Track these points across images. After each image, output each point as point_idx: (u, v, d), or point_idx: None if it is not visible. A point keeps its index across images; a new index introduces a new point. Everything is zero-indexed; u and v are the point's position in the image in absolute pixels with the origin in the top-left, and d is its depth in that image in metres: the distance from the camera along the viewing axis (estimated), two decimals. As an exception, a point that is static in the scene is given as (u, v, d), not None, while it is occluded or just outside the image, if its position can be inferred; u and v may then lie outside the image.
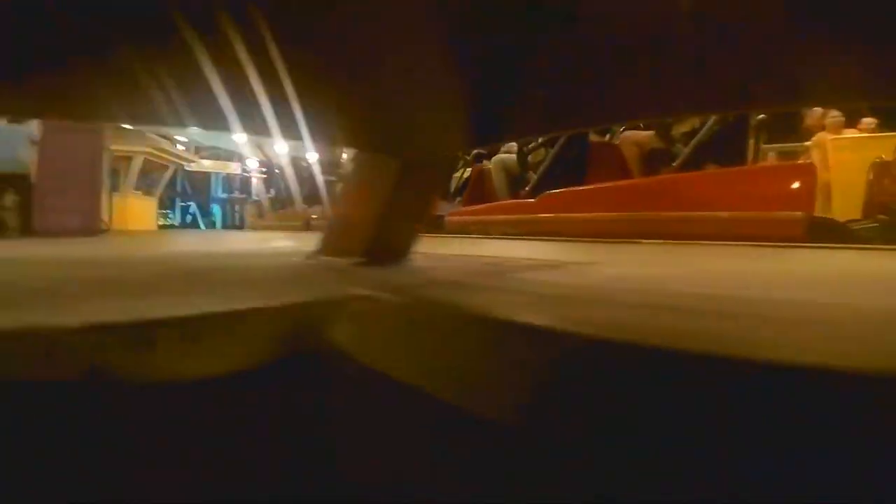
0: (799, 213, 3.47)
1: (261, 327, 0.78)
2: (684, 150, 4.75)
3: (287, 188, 16.79)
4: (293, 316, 0.83)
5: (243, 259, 2.28)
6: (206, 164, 23.91)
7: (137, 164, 14.06)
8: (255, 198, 19.64)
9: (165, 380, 0.69)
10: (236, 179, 25.95)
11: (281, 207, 16.11)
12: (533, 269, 1.63)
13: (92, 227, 7.81)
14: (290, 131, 1.29)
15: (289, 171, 16.94)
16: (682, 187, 4.25)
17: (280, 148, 21.50)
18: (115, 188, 10.65)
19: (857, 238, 3.65)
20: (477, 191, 7.27)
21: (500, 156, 7.36)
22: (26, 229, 7.36)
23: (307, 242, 2.25)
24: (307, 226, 12.28)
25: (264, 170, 20.75)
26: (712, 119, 4.41)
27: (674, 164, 4.79)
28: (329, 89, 1.24)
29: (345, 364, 0.75)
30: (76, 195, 7.70)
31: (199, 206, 25.21)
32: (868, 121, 5.54)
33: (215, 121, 1.12)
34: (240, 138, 24.08)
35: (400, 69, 1.30)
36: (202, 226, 24.86)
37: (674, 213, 4.07)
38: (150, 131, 16.31)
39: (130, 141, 13.59)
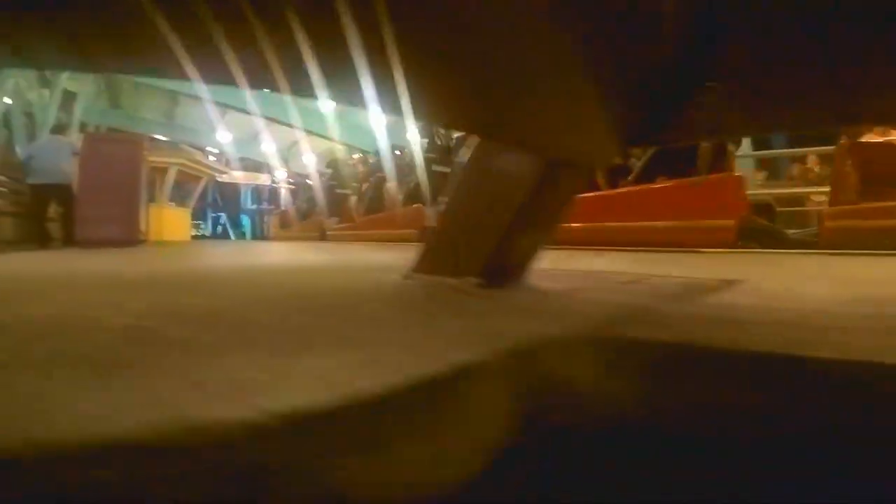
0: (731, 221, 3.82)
1: (500, 391, 0.55)
2: (637, 165, 5.14)
3: (310, 199, 16.85)
4: (533, 369, 0.60)
5: (334, 276, 2.04)
6: (238, 176, 24.14)
7: (172, 175, 14.21)
8: (282, 208, 19.66)
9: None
10: (265, 191, 26.24)
11: (303, 218, 16.07)
12: (700, 290, 1.35)
13: (132, 237, 7.85)
14: (425, 112, 1.06)
15: (315, 183, 16.90)
16: (635, 200, 4.86)
17: (308, 159, 21.71)
18: (151, 199, 10.71)
19: (790, 242, 3.98)
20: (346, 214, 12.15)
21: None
22: (68, 239, 7.45)
23: (360, 254, 2.00)
24: (323, 236, 13.02)
25: (291, 181, 20.83)
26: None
27: (629, 178, 5.19)
28: (469, 70, 0.98)
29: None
30: (116, 206, 7.77)
31: (229, 217, 25.47)
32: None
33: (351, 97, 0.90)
34: (269, 150, 24.47)
35: (556, 52, 1.03)
36: (232, 236, 25.15)
37: (629, 223, 4.69)
38: (185, 143, 16.61)
39: (165, 152, 13.77)
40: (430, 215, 9.67)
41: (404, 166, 11.14)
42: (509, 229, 1.45)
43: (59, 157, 7.11)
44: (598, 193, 5.22)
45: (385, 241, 8.50)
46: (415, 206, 8.81)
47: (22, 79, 12.63)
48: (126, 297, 1.34)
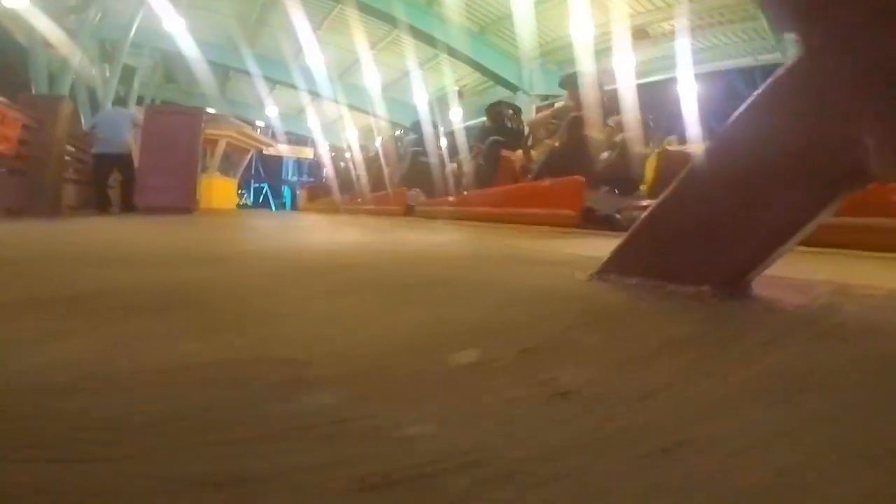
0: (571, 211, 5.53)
1: None
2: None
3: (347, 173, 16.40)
4: None
5: (484, 268, 1.73)
6: (283, 149, 24.27)
7: (222, 146, 14.34)
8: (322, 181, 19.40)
9: None
10: (305, 163, 26.31)
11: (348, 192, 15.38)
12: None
13: (188, 205, 7.89)
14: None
15: (357, 157, 16.49)
16: (522, 193, 6.72)
17: (350, 134, 21.55)
18: (202, 169, 10.75)
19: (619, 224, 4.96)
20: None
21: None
22: (125, 206, 7.56)
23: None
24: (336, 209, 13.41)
25: (333, 154, 20.72)
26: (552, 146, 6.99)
27: (529, 177, 7.21)
28: None
29: None
30: (175, 175, 7.84)
31: (271, 188, 25.74)
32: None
33: None
34: (313, 124, 24.48)
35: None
36: (273, 206, 25.43)
37: (514, 209, 6.33)
38: (234, 116, 16.68)
39: (216, 125, 13.81)
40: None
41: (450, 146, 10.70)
42: (779, 236, 1.10)
43: (120, 128, 7.23)
44: (503, 187, 7.21)
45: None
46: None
47: (85, 54, 12.81)
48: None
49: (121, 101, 15.14)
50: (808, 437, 0.45)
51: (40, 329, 0.76)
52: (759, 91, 1.17)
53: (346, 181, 15.03)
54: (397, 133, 15.02)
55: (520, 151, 8.57)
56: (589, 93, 6.78)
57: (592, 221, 5.32)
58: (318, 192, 19.88)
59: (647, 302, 1.15)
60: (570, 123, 6.64)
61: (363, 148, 15.68)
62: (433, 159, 10.74)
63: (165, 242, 2.55)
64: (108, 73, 14.59)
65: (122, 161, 7.29)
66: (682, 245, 1.29)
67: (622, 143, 6.26)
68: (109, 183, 7.91)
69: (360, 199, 13.19)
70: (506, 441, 0.42)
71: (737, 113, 1.20)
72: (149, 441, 0.40)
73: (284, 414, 0.46)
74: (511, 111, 8.94)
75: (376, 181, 12.75)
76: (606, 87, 7.38)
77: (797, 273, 1.82)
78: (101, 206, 7.16)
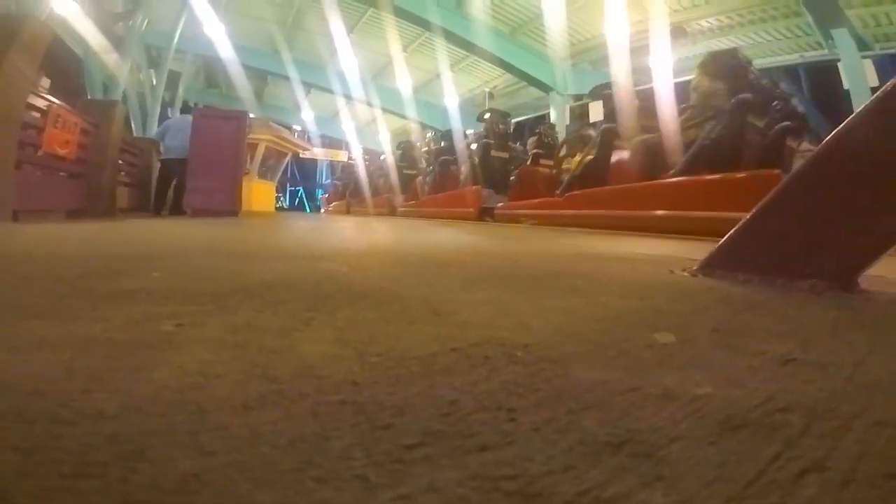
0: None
1: None
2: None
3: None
4: None
5: (601, 264, 1.79)
6: (318, 152, 24.80)
7: (261, 150, 14.68)
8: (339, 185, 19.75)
9: None
10: (338, 167, 26.77)
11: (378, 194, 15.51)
12: None
13: (233, 208, 8.13)
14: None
15: (390, 161, 16.70)
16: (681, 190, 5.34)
17: (384, 138, 21.82)
18: (244, 172, 11.03)
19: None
20: (518, 189, 8.87)
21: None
22: (174, 209, 7.89)
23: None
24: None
25: (367, 157, 21.04)
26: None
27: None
28: None
29: None
30: (222, 178, 8.07)
31: (306, 191, 26.30)
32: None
33: None
34: (347, 127, 24.92)
35: None
36: (308, 209, 25.96)
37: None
38: (272, 120, 17.11)
39: (256, 129, 14.15)
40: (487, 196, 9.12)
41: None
42: (893, 236, 1.13)
43: (186, 134, 7.80)
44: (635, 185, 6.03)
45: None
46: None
47: (134, 61, 13.38)
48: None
49: (167, 106, 15.79)
50: None
51: (283, 317, 0.84)
52: (886, 87, 1.19)
53: (396, 183, 14.76)
54: (432, 133, 14.95)
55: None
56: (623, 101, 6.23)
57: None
58: (336, 195, 20.23)
59: (773, 293, 1.20)
60: (735, 107, 5.53)
61: (410, 145, 15.52)
62: (506, 153, 10.00)
63: (256, 240, 2.70)
64: (154, 79, 15.19)
65: (184, 166, 7.78)
66: (794, 241, 1.33)
67: (775, 136, 5.27)
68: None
69: (414, 202, 12.73)
70: (783, 394, 0.49)
71: (863, 107, 1.23)
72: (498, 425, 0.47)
73: (582, 386, 0.54)
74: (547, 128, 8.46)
75: (436, 180, 11.98)
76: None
77: (879, 272, 1.82)
78: (157, 208, 7.73)
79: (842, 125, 1.28)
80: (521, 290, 1.16)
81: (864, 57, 10.73)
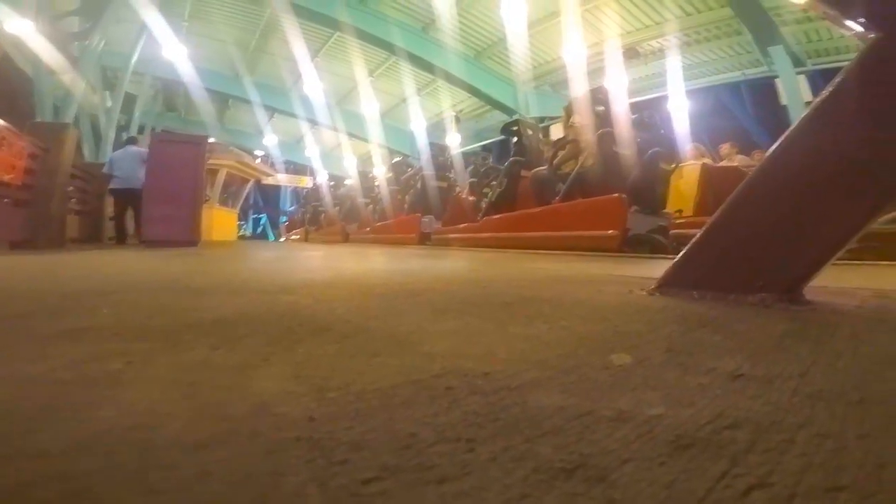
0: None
1: None
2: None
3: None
4: None
5: (562, 287, 1.82)
6: (282, 178, 24.43)
7: (222, 176, 14.36)
8: (325, 210, 19.75)
9: None
10: (303, 193, 26.50)
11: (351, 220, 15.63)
12: None
13: (193, 237, 7.89)
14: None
15: (343, 190, 16.86)
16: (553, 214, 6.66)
17: (349, 162, 21.78)
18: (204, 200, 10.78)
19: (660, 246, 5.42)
20: (450, 215, 9.74)
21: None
22: (120, 238, 7.67)
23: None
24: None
25: (332, 183, 20.96)
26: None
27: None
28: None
29: None
30: (180, 206, 7.81)
31: (270, 218, 25.73)
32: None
33: None
34: (312, 152, 24.73)
35: None
36: (271, 236, 25.40)
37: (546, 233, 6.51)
38: (233, 145, 16.85)
39: (217, 154, 13.87)
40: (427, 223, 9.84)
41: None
42: (835, 244, 1.22)
43: (131, 164, 7.72)
44: (531, 210, 7.14)
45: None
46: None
47: (88, 82, 12.98)
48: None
49: (122, 129, 15.32)
50: None
51: (240, 353, 0.82)
52: (816, 102, 1.29)
53: (351, 209, 15.17)
54: (397, 160, 15.18)
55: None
56: (613, 109, 6.68)
57: (632, 243, 5.15)
58: (295, 223, 20.53)
59: (725, 310, 1.25)
60: (600, 139, 6.37)
61: (364, 175, 15.82)
62: (445, 183, 10.80)
63: (215, 272, 2.63)
64: (109, 102, 14.75)
65: (134, 196, 7.61)
66: (743, 257, 1.40)
67: (647, 161, 6.05)
68: (110, 215, 8.09)
69: (368, 228, 13.24)
70: (732, 410, 0.51)
71: (795, 124, 1.32)
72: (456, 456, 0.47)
73: (540, 412, 0.55)
74: (529, 129, 8.84)
75: (383, 209, 12.90)
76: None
77: (826, 282, 1.94)
78: (119, 239, 7.67)
79: (778, 142, 1.37)
80: (489, 318, 1.17)
81: (798, 73, 11.48)
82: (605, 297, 1.52)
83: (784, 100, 11.44)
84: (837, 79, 1.26)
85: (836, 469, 0.38)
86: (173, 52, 14.90)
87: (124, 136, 15.18)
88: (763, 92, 13.76)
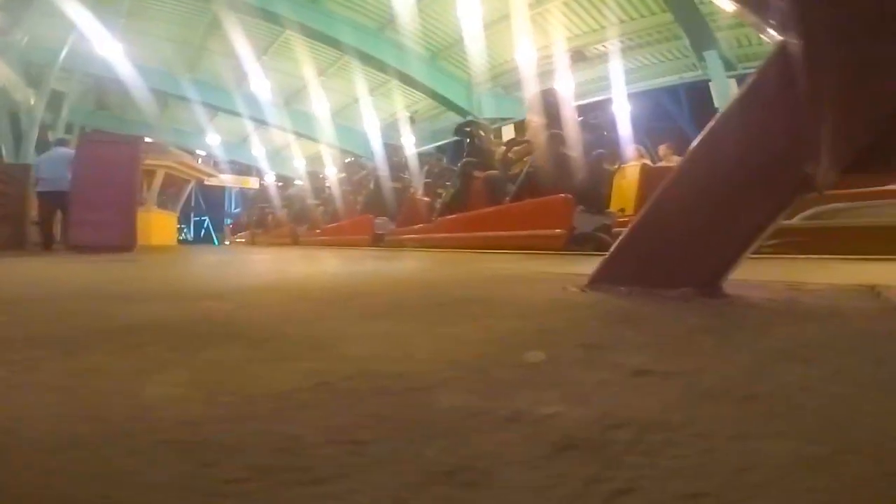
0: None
1: None
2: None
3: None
4: None
5: (500, 286, 1.82)
6: (226, 179, 23.41)
7: (160, 178, 13.63)
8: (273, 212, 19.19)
9: None
10: (249, 194, 25.58)
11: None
12: None
13: (128, 243, 7.47)
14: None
15: (293, 191, 16.45)
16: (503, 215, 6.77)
17: (299, 162, 21.25)
18: (140, 203, 10.20)
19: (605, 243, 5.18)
20: (404, 216, 9.51)
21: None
22: (47, 243, 7.16)
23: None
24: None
25: (281, 184, 20.40)
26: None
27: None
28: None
29: None
30: (113, 210, 7.39)
31: (213, 221, 24.64)
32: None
33: None
34: (258, 152, 23.87)
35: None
36: (216, 241, 24.34)
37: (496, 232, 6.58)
38: (173, 145, 16.02)
39: (154, 154, 13.15)
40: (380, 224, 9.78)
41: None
42: (747, 240, 1.28)
43: (63, 166, 7.30)
44: (482, 210, 7.13)
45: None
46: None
47: (8, 78, 11.99)
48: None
49: (48, 129, 14.23)
50: (844, 380, 0.59)
51: (138, 360, 0.78)
52: (720, 113, 1.36)
53: (301, 211, 14.74)
54: (349, 160, 14.94)
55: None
56: (562, 111, 6.83)
57: (578, 242, 5.29)
58: (241, 225, 19.97)
59: (647, 305, 1.29)
60: (549, 140, 6.50)
61: (315, 175, 15.45)
62: (398, 184, 10.63)
63: (142, 278, 2.48)
64: (33, 100, 13.67)
65: (62, 198, 7.14)
66: (665, 253, 1.45)
67: (592, 162, 6.28)
68: (33, 219, 7.53)
69: (318, 230, 12.88)
70: (623, 409, 0.51)
71: (710, 125, 1.39)
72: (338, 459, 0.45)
73: (439, 413, 0.53)
74: (481, 130, 8.89)
75: (335, 210, 12.54)
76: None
77: (749, 276, 2.06)
78: (46, 244, 7.18)
79: (695, 142, 1.44)
80: (420, 319, 1.15)
81: (729, 77, 12.17)
82: (539, 294, 1.54)
83: (717, 103, 12.09)
84: (748, 81, 1.33)
85: (701, 473, 0.38)
86: (107, 48, 13.99)
87: (51, 135, 14.17)
88: (699, 95, 14.50)
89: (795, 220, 4.61)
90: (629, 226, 1.54)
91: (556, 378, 0.64)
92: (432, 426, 0.49)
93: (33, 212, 8.27)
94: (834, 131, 1.04)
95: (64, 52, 13.33)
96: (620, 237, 1.57)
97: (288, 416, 0.53)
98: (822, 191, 1.29)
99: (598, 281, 1.59)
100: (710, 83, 12.36)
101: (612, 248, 1.59)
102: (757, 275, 2.24)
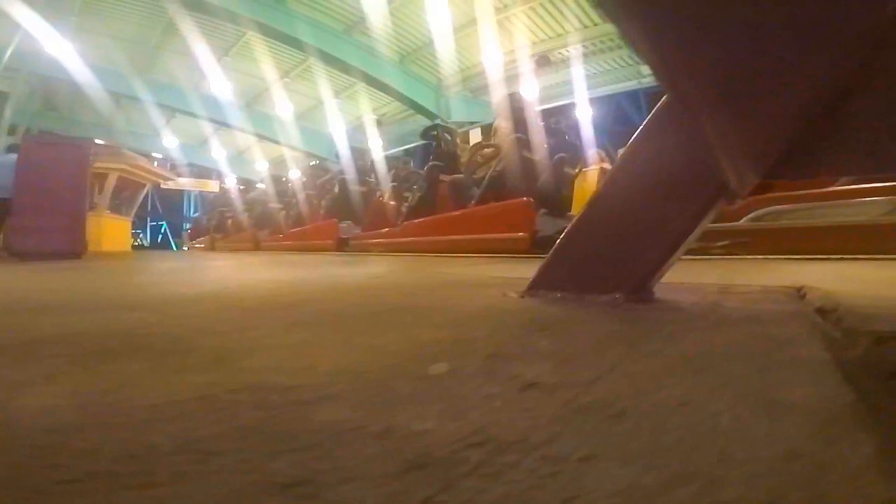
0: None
1: None
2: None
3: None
4: None
5: (443, 293, 1.81)
6: (184, 182, 22.65)
7: (112, 181, 13.07)
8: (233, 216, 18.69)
9: None
10: (210, 198, 24.84)
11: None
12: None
13: (75, 249, 7.16)
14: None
15: (270, 189, 16.03)
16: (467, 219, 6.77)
17: (261, 165, 20.79)
18: (90, 207, 9.76)
19: None
20: (370, 220, 9.48)
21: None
22: (6, 250, 6.77)
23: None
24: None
25: (242, 187, 19.92)
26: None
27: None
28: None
29: None
30: (59, 215, 7.09)
31: (171, 226, 23.73)
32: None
33: None
34: (219, 155, 23.19)
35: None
36: (174, 246, 23.49)
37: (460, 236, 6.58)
38: (126, 147, 15.40)
39: (105, 157, 12.61)
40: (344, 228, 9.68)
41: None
42: (673, 245, 1.32)
43: (9, 171, 7.00)
44: (446, 214, 7.15)
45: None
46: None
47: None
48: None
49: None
50: (727, 392, 0.60)
51: (27, 373, 0.76)
52: (645, 122, 1.41)
53: (263, 215, 14.40)
54: (314, 163, 14.72)
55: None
56: (526, 115, 6.89)
57: (540, 245, 5.33)
58: (200, 230, 19.48)
59: (574, 311, 1.32)
60: (513, 144, 6.59)
61: (278, 179, 15.14)
62: (364, 188, 10.52)
63: (73, 288, 2.36)
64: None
65: (6, 205, 6.85)
66: (596, 260, 1.49)
67: (554, 165, 6.37)
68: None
69: (281, 235, 12.62)
70: (494, 426, 0.51)
71: (632, 140, 1.43)
72: (181, 466, 0.44)
73: (312, 427, 0.52)
74: (448, 134, 8.88)
75: (299, 214, 12.31)
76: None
77: (689, 278, 2.13)
78: None
79: (625, 148, 1.48)
80: (345, 329, 1.14)
81: (686, 81, 12.58)
82: (477, 301, 1.55)
83: (673, 106, 12.46)
84: (657, 107, 1.38)
85: (523, 502, 0.38)
86: (57, 47, 13.34)
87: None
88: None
89: (742, 222, 4.82)
90: (564, 232, 1.57)
91: (447, 392, 0.64)
92: (296, 440, 0.49)
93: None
94: (741, 144, 1.08)
95: (9, 52, 12.65)
96: (557, 242, 1.60)
97: (153, 427, 0.53)
98: (739, 198, 1.35)
99: (535, 287, 1.61)
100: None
101: (548, 254, 1.61)
102: (696, 276, 2.32)
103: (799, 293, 1.60)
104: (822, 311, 1.15)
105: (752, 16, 0.80)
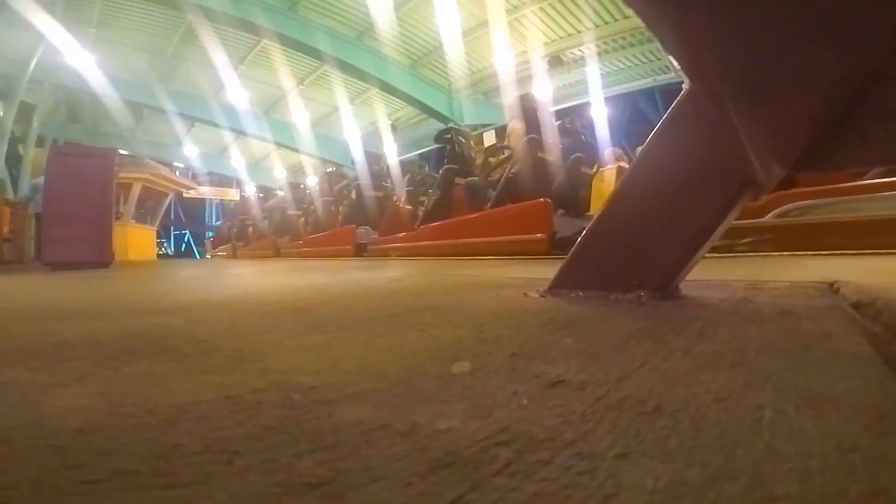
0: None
1: None
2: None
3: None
4: None
5: (464, 293, 1.79)
6: (206, 191, 23.10)
7: (136, 191, 13.40)
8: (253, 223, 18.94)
9: None
10: (230, 206, 25.27)
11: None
12: None
13: (103, 259, 7.31)
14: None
15: (273, 202, 16.25)
16: (484, 221, 6.69)
17: (279, 173, 21.08)
18: (115, 217, 10.00)
19: None
20: (387, 225, 9.47)
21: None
22: (39, 260, 6.99)
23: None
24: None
25: (262, 195, 20.18)
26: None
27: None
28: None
29: None
30: (86, 225, 7.23)
31: (193, 234, 24.20)
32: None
33: None
34: (238, 163, 23.61)
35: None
36: (197, 254, 23.94)
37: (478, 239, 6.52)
38: (149, 157, 15.77)
39: (130, 167, 12.93)
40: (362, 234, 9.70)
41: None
42: (697, 242, 1.29)
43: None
44: (463, 217, 7.11)
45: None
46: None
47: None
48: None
49: (17, 142, 13.89)
50: (767, 387, 0.58)
51: (56, 374, 0.77)
52: (663, 118, 1.37)
53: (282, 222, 14.57)
54: (330, 169, 14.84)
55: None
56: (540, 116, 6.83)
57: (559, 245, 5.28)
58: (222, 238, 19.88)
59: (599, 309, 1.29)
60: (528, 145, 6.51)
61: (296, 186, 15.28)
62: (381, 193, 10.52)
63: (100, 296, 2.41)
64: (1, 112, 13.36)
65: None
66: (618, 258, 1.45)
67: (571, 166, 6.30)
68: (5, 236, 7.35)
69: (300, 241, 12.72)
70: (521, 423, 0.50)
71: (651, 136, 1.40)
72: (207, 466, 0.44)
73: (336, 426, 0.51)
74: (462, 137, 8.87)
75: (317, 220, 12.40)
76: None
77: (715, 275, 2.07)
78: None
79: (645, 143, 1.45)
80: (365, 330, 1.13)
81: (700, 77, 12.38)
82: (497, 301, 1.53)
83: (690, 103, 12.26)
84: (678, 99, 1.35)
85: (559, 500, 0.36)
86: (78, 59, 13.74)
87: (21, 148, 13.83)
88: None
89: (768, 218, 4.70)
90: (586, 230, 1.54)
91: (472, 390, 0.62)
92: (320, 439, 0.48)
93: (4, 227, 8.10)
94: (768, 135, 1.05)
95: (33, 64, 13.06)
96: (577, 242, 1.57)
97: (178, 427, 0.53)
98: (766, 191, 1.30)
99: (557, 286, 1.58)
100: (683, 84, 12.56)
101: (570, 253, 1.59)
102: (722, 274, 2.26)
103: (832, 288, 1.55)
104: (858, 306, 1.10)
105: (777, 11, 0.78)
